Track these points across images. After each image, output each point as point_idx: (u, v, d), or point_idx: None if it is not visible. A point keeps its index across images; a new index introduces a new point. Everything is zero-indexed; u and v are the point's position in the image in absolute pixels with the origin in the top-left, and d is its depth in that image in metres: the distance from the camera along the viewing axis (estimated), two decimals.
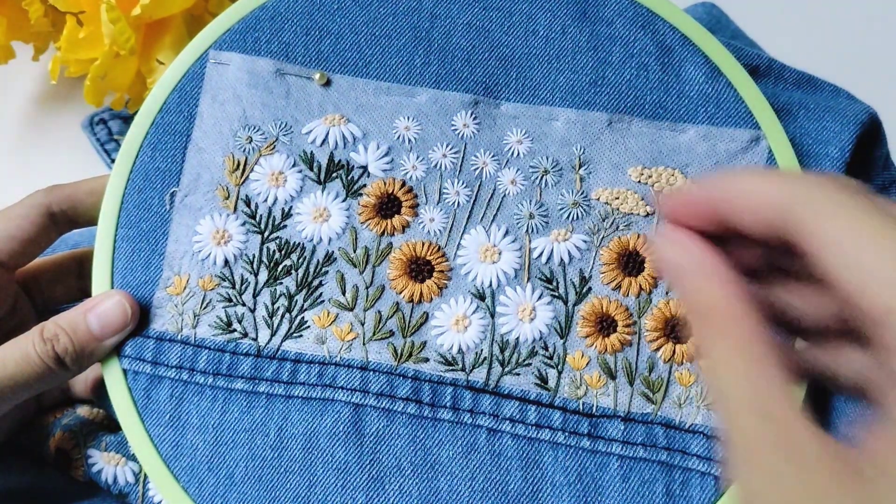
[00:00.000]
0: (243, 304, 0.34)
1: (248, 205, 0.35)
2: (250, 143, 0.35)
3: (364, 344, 0.33)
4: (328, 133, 0.35)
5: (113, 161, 0.46)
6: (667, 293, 0.33)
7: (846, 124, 0.34)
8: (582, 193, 0.34)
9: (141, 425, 0.34)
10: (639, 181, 0.34)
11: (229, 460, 0.33)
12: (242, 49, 0.36)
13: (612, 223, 0.34)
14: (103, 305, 0.33)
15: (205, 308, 0.34)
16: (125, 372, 0.34)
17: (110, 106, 0.46)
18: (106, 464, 0.37)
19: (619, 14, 0.36)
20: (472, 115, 0.35)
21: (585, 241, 0.34)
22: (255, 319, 0.34)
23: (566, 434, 0.32)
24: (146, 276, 0.35)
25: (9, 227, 0.35)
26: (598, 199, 0.34)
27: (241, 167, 0.35)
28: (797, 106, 0.36)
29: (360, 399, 0.33)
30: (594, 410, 0.33)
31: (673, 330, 0.33)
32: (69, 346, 0.32)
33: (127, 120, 0.48)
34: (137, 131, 0.36)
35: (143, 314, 0.34)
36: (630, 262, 0.34)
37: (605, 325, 0.33)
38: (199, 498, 0.33)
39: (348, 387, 0.33)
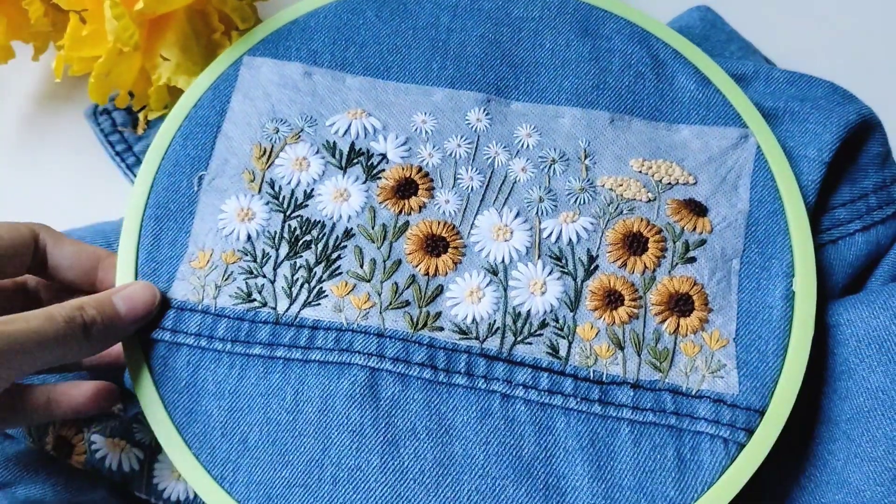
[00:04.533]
0: (264, 276, 0.35)
1: (273, 187, 0.37)
2: (277, 133, 0.38)
3: (381, 312, 0.34)
4: (350, 125, 0.38)
5: (117, 153, 0.47)
6: (669, 272, 0.35)
7: (828, 125, 0.37)
8: (588, 181, 0.37)
9: (156, 392, 0.34)
10: (640, 171, 0.37)
11: (243, 425, 0.33)
12: (274, 55, 0.39)
13: (617, 208, 0.36)
14: (130, 288, 0.34)
15: (226, 280, 0.35)
16: (143, 339, 0.34)
17: (115, 103, 0.46)
18: (110, 450, 0.37)
19: (617, 32, 0.40)
20: (484, 111, 0.38)
21: (592, 223, 0.36)
22: (274, 290, 0.35)
23: (578, 400, 0.33)
24: (171, 252, 0.36)
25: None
26: (604, 185, 0.37)
27: (268, 154, 0.37)
28: (783, 111, 0.39)
29: (377, 363, 0.33)
30: (604, 378, 0.34)
31: (677, 304, 0.35)
32: (96, 316, 0.32)
33: (130, 111, 0.48)
34: (171, 124, 0.38)
35: (168, 285, 0.35)
36: (635, 243, 0.36)
37: (612, 299, 0.35)
38: (210, 464, 0.33)
39: (365, 351, 0.34)
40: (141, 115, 0.45)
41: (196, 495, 0.36)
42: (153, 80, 0.42)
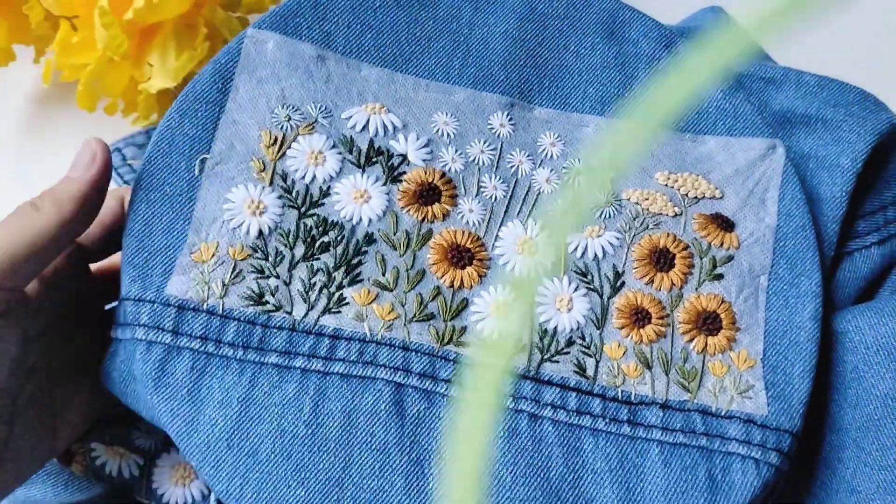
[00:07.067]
0: (277, 277, 0.33)
1: (285, 180, 0.34)
2: (289, 121, 0.35)
3: (405, 324, 0.32)
4: (368, 120, 0.35)
5: (126, 183, 0.45)
6: (696, 289, 0.35)
7: (863, 134, 0.37)
8: (613, 194, 0.36)
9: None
10: (665, 184, 0.36)
11: (253, 437, 0.30)
12: (283, 31, 0.36)
13: (643, 222, 0.36)
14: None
15: (235, 278, 0.32)
16: (139, 341, 0.31)
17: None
18: (110, 457, 0.35)
19: (644, 35, 0.38)
20: (507, 115, 0.37)
21: (618, 238, 0.35)
22: (290, 293, 0.32)
23: (606, 420, 0.32)
24: (167, 241, 0.32)
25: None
26: (629, 199, 0.36)
27: (279, 143, 0.35)
28: (815, 118, 0.38)
29: (403, 378, 0.31)
30: (633, 398, 0.33)
31: (704, 322, 0.34)
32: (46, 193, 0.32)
33: (142, 147, 0.46)
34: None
35: (164, 279, 0.32)
36: (661, 259, 0.35)
37: (639, 316, 0.34)
38: (214, 478, 0.30)
39: (391, 365, 0.32)
40: (130, 121, 0.44)
41: (195, 500, 0.35)
42: (140, 88, 0.42)
